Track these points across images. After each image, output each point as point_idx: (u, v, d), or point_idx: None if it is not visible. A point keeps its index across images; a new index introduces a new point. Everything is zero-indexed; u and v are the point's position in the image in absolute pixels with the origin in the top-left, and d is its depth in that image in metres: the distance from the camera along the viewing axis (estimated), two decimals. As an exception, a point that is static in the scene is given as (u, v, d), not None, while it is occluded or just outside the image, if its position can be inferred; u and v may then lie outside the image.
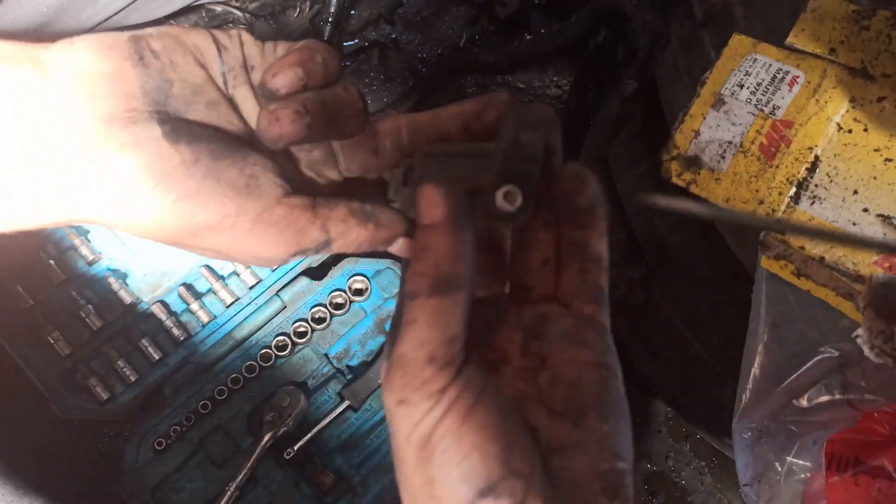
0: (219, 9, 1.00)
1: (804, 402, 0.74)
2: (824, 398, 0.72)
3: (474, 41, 1.37)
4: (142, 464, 0.96)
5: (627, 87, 0.84)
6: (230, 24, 1.08)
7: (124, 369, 1.00)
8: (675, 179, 0.70)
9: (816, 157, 0.62)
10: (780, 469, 0.78)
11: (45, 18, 0.69)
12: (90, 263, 1.02)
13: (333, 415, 1.01)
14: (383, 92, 1.33)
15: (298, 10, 1.22)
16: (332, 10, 1.14)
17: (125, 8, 0.74)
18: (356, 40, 1.33)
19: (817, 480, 0.75)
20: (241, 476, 0.95)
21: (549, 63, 1.35)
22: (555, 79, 1.38)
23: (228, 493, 0.94)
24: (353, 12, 1.37)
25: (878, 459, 0.74)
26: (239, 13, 0.99)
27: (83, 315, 1.00)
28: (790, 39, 0.63)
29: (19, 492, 0.87)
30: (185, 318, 1.03)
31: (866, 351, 0.59)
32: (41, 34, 0.70)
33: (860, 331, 0.59)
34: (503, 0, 1.29)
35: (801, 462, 0.76)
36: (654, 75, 0.84)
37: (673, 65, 0.86)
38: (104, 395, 0.98)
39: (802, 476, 0.76)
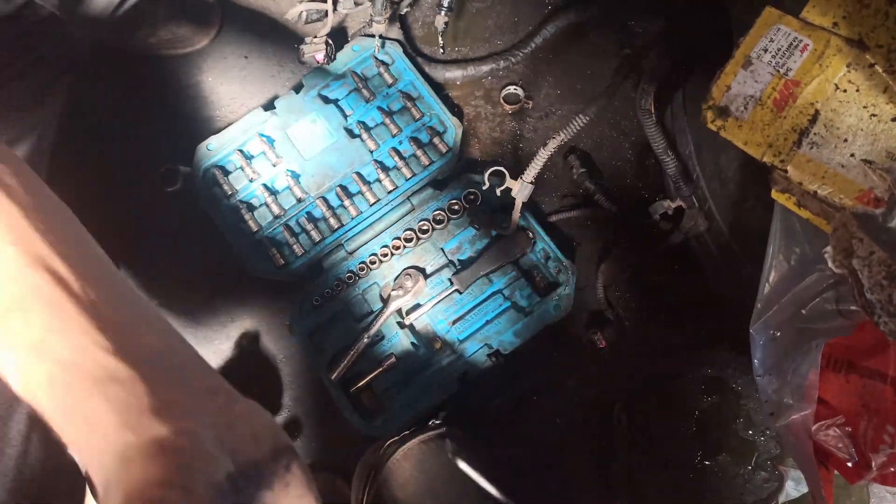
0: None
1: (807, 312, 0.91)
2: (823, 309, 0.89)
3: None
4: (304, 314, 1.31)
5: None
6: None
7: (294, 246, 1.33)
8: (709, 125, 0.87)
9: (816, 112, 0.77)
10: (786, 366, 0.95)
11: None
12: (274, 165, 1.36)
13: (444, 295, 1.30)
14: (514, 35, 1.53)
15: None
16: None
17: None
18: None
19: (815, 377, 0.92)
20: (373, 330, 1.27)
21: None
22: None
23: (363, 340, 1.26)
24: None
25: (867, 362, 0.90)
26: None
27: (268, 203, 1.35)
28: (803, 14, 0.76)
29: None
30: (339, 211, 1.35)
31: (830, 263, 0.75)
32: None
33: (828, 248, 0.76)
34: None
35: (803, 361, 0.93)
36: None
37: (743, 16, 1.00)
38: (280, 262, 1.33)
39: (804, 372, 0.93)
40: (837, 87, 0.76)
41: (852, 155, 0.76)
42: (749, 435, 1.32)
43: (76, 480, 0.78)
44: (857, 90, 0.75)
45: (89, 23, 0.94)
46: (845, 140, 0.76)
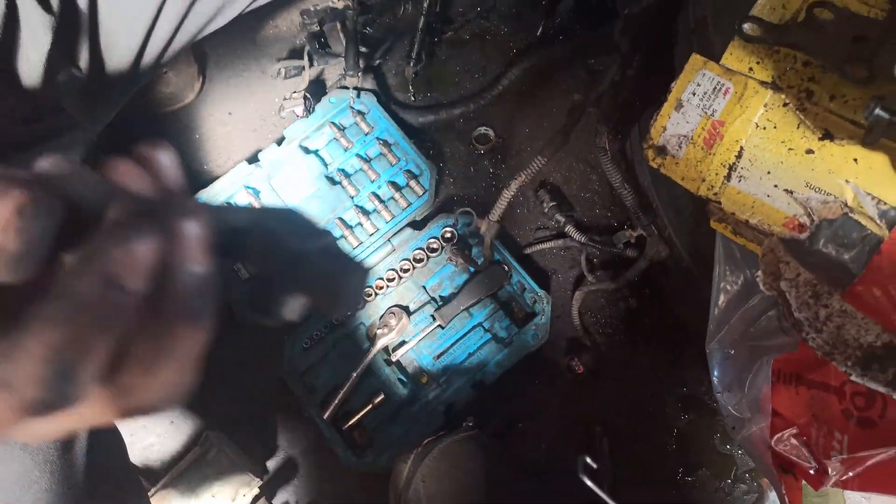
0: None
1: (755, 330, 0.97)
2: (768, 327, 0.95)
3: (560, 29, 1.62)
4: (295, 356, 1.37)
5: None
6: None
7: (283, 291, 1.40)
8: (651, 163, 0.94)
9: (741, 148, 0.84)
10: (742, 381, 1.01)
11: None
12: (260, 215, 1.44)
13: (427, 331, 1.36)
14: (483, 78, 1.62)
15: (403, 8, 1.54)
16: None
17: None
18: (453, 33, 1.63)
19: (768, 391, 0.98)
20: (360, 368, 1.33)
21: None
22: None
23: (351, 378, 1.32)
24: (459, 9, 1.66)
25: (813, 375, 0.95)
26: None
27: (256, 252, 1.42)
28: (723, 60, 0.84)
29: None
30: (323, 256, 1.42)
31: (761, 286, 0.82)
32: None
33: (759, 272, 0.82)
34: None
35: (757, 376, 0.99)
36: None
37: (682, 59, 1.08)
38: (270, 308, 1.39)
39: (758, 386, 0.99)
40: (757, 126, 0.83)
41: (775, 185, 0.83)
42: (727, 449, 1.37)
43: (124, 482, 0.80)
44: (775, 127, 0.82)
45: (103, 119, 1.01)
46: (768, 172, 0.83)
